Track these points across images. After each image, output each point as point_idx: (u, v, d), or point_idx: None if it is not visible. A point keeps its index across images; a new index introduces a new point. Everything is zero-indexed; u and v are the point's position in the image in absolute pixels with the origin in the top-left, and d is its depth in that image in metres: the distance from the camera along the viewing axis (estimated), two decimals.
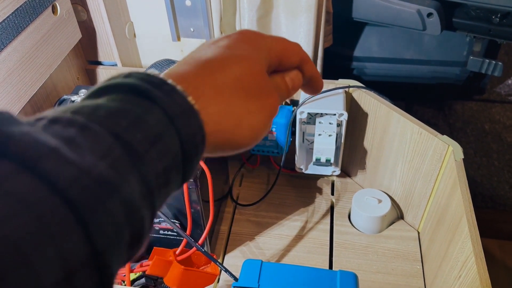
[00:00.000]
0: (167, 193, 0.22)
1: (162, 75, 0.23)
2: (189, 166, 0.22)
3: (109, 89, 0.21)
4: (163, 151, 0.21)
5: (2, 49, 0.54)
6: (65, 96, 0.68)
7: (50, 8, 0.63)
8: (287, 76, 0.31)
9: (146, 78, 0.22)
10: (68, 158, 0.17)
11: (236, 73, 0.25)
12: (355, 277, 0.51)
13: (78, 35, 0.72)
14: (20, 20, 0.57)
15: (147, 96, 0.21)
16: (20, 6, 0.56)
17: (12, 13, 0.55)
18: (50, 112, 0.20)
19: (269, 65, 0.29)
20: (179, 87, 0.22)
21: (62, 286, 0.16)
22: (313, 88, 0.34)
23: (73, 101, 0.66)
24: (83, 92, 0.67)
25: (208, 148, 0.24)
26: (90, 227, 0.17)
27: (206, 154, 0.25)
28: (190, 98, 0.22)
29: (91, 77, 0.81)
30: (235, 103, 0.25)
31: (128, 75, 0.22)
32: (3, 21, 0.54)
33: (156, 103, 0.21)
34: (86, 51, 0.80)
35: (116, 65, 0.80)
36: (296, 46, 0.31)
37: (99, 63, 0.81)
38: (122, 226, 0.18)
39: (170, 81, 0.22)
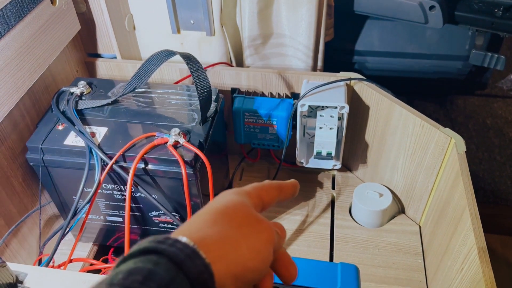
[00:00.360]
0: None
1: (170, 235, 0.27)
2: None
3: (126, 258, 0.26)
4: None
5: (0, 38, 0.54)
6: (64, 88, 0.67)
7: None
8: (274, 225, 0.34)
9: (153, 239, 0.26)
10: None
11: (224, 211, 0.30)
12: (356, 270, 0.51)
13: (77, 27, 0.72)
14: (18, 9, 0.56)
15: (155, 252, 0.25)
16: None
17: (10, 2, 0.54)
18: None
19: (254, 205, 0.33)
20: (180, 238, 0.26)
21: None
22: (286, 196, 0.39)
23: (72, 93, 0.66)
24: (82, 84, 0.67)
25: (225, 279, 0.27)
26: None
27: None
28: (191, 244, 0.26)
29: (90, 70, 0.80)
30: (228, 231, 0.29)
31: (140, 244, 0.27)
32: (1, 10, 0.53)
33: (163, 255, 0.25)
34: (85, 44, 0.79)
35: (115, 57, 0.80)
36: (268, 183, 0.37)
37: (98, 56, 0.81)
38: None
39: (172, 235, 0.27)
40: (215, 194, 0.65)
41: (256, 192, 0.35)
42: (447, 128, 0.61)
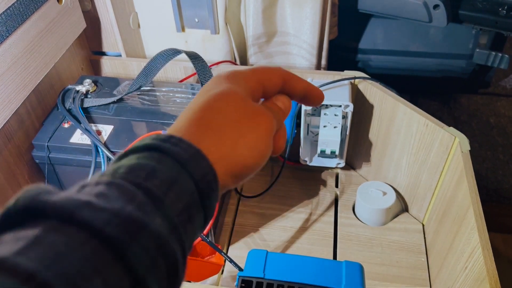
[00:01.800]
0: (193, 230, 0.25)
1: (170, 132, 0.27)
2: (208, 203, 0.25)
3: (128, 153, 0.25)
4: (180, 192, 0.24)
5: (7, 36, 0.54)
6: (69, 86, 0.68)
7: None
8: (276, 100, 0.33)
9: (156, 137, 0.25)
10: (99, 206, 0.20)
11: (217, 108, 0.28)
12: (360, 268, 0.51)
13: (83, 25, 0.72)
14: (25, 8, 0.56)
15: (159, 150, 0.25)
16: None
17: (17, 0, 0.55)
18: (79, 183, 0.23)
19: (252, 93, 0.31)
20: (183, 138, 0.26)
21: None
22: (313, 99, 0.35)
23: (78, 91, 0.66)
24: (87, 82, 0.67)
25: (225, 179, 0.27)
26: (128, 260, 0.19)
27: (232, 186, 0.28)
28: (194, 144, 0.26)
29: (95, 68, 0.80)
30: (225, 131, 0.27)
31: (142, 140, 0.26)
32: (8, 8, 0.53)
33: (167, 154, 0.24)
34: (91, 42, 0.79)
35: (120, 55, 0.80)
36: (276, 68, 0.33)
37: (104, 54, 0.81)
38: (156, 257, 0.21)
39: (175, 135, 0.26)
40: None
41: (256, 76, 0.31)
42: (451, 127, 0.62)
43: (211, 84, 0.30)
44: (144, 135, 0.29)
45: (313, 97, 0.34)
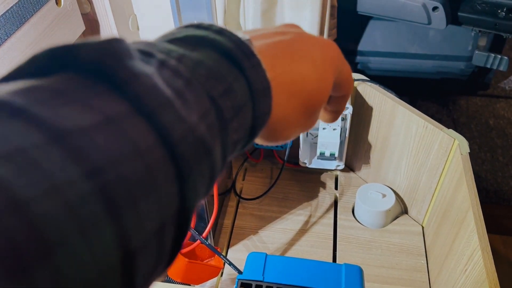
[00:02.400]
0: (230, 158, 0.23)
1: (251, 46, 0.23)
2: (251, 141, 0.24)
3: (205, 42, 0.21)
4: (241, 123, 0.21)
5: (6, 39, 0.54)
6: None
7: (53, 0, 0.63)
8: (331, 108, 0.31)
9: (239, 43, 0.22)
10: (180, 113, 0.17)
11: (312, 81, 0.26)
12: (360, 271, 0.51)
13: (82, 27, 0.72)
14: (24, 10, 0.56)
15: (238, 65, 0.21)
16: None
17: (16, 3, 0.55)
18: (153, 46, 0.19)
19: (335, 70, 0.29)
20: (263, 65, 0.23)
21: (156, 236, 0.16)
22: (332, 120, 0.34)
23: None
24: None
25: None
26: (185, 185, 0.17)
27: (278, 129, 0.26)
28: (269, 80, 0.23)
29: None
30: (292, 113, 0.25)
31: (220, 31, 0.22)
32: (7, 11, 0.53)
33: (244, 75, 0.22)
34: None
35: None
36: (352, 79, 0.31)
37: None
38: (207, 186, 0.19)
39: (257, 55, 0.23)
40: (219, 195, 0.65)
41: (342, 79, 0.29)
42: (450, 130, 0.62)
43: (319, 42, 0.28)
44: None
45: (334, 119, 0.33)
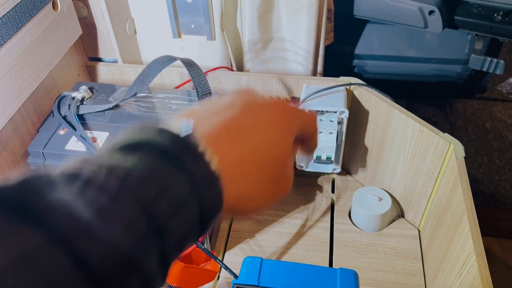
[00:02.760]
0: (180, 253, 0.22)
1: (194, 133, 0.23)
2: (204, 229, 0.23)
3: (142, 146, 0.22)
4: (184, 220, 0.21)
5: (2, 44, 0.54)
6: (65, 93, 0.68)
7: (50, 4, 0.63)
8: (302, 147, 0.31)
9: (178, 139, 0.22)
10: (99, 235, 0.18)
11: (265, 149, 0.25)
12: (355, 275, 0.51)
13: (79, 31, 0.72)
14: (21, 15, 0.56)
15: (176, 161, 0.21)
16: (21, 1, 0.56)
17: (13, 8, 0.55)
18: (85, 165, 0.20)
19: (294, 129, 0.29)
20: (207, 153, 0.22)
21: None
22: (309, 154, 0.34)
23: (73, 98, 0.66)
24: (83, 89, 0.67)
25: (230, 202, 0.24)
26: None
27: (232, 214, 0.26)
28: (215, 165, 0.22)
29: (91, 74, 0.80)
30: (253, 185, 0.25)
31: (162, 130, 0.22)
32: (4, 16, 0.53)
33: (183, 170, 0.21)
34: (87, 48, 0.79)
35: (116, 61, 0.80)
36: (314, 118, 0.31)
37: (100, 60, 0.81)
38: None
39: (201, 144, 0.22)
40: None
41: (304, 126, 0.30)
42: (446, 134, 0.62)
43: (266, 105, 0.27)
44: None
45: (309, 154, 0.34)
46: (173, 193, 0.20)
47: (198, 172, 0.22)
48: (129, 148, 0.22)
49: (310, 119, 0.31)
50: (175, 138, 0.22)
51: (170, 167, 0.21)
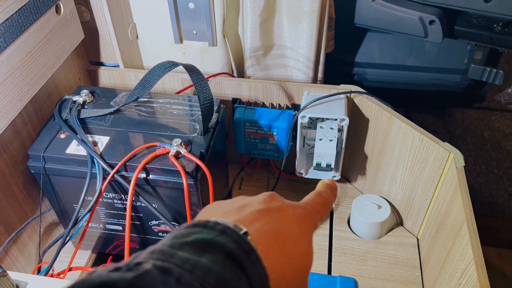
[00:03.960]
0: None
1: (250, 241, 0.26)
2: None
3: (212, 246, 0.25)
4: None
5: (5, 47, 0.54)
6: (66, 96, 0.68)
7: (53, 8, 0.63)
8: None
9: (240, 242, 0.25)
10: None
11: (298, 259, 0.29)
12: (355, 283, 0.51)
13: (81, 36, 0.72)
14: (24, 19, 0.56)
15: (240, 264, 0.25)
16: (24, 5, 0.56)
17: (16, 12, 0.55)
18: (169, 257, 0.23)
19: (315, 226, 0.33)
20: (260, 257, 0.26)
21: None
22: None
23: (75, 102, 0.66)
24: (84, 93, 0.67)
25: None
26: None
27: None
28: (266, 269, 0.26)
29: (93, 78, 0.81)
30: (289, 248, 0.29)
31: (224, 230, 0.26)
32: (7, 19, 0.54)
33: (245, 273, 0.25)
34: (88, 52, 0.79)
35: (118, 66, 0.80)
36: (330, 205, 0.36)
37: (101, 64, 0.81)
38: None
39: (255, 249, 0.26)
40: None
41: (320, 217, 0.34)
42: (446, 143, 0.62)
43: (296, 219, 0.31)
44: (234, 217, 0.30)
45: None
46: None
47: (256, 276, 0.25)
48: (200, 245, 0.25)
49: (328, 205, 0.35)
50: (237, 240, 0.25)
51: (237, 269, 0.24)
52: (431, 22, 0.84)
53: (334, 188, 0.37)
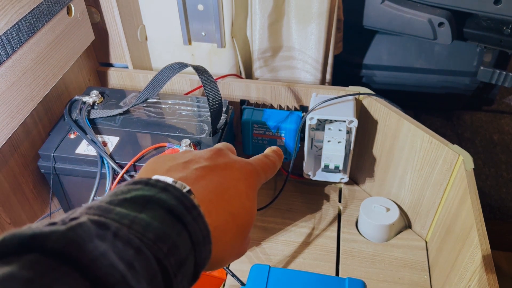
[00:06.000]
0: None
1: (192, 198, 0.26)
2: (194, 281, 0.26)
3: (152, 202, 0.24)
4: (185, 274, 0.24)
5: (18, 48, 0.55)
6: (76, 97, 0.68)
7: (65, 9, 0.64)
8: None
9: (181, 198, 0.25)
10: (132, 286, 0.20)
11: (240, 216, 0.30)
12: (364, 286, 0.51)
13: (91, 37, 0.73)
14: (36, 20, 0.57)
15: (180, 220, 0.25)
16: (37, 6, 0.57)
17: (29, 13, 0.56)
18: (107, 213, 0.23)
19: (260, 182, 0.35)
20: (202, 213, 0.26)
21: None
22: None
23: (84, 102, 0.67)
24: (94, 94, 0.68)
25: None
26: None
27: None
28: (208, 225, 0.26)
29: (102, 79, 0.81)
30: (230, 245, 0.29)
31: (165, 188, 0.25)
32: (20, 21, 0.54)
33: (186, 228, 0.25)
34: (98, 53, 0.80)
35: (127, 67, 0.81)
36: (276, 164, 0.37)
37: (111, 65, 0.82)
38: None
39: (198, 205, 0.26)
40: None
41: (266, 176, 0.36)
42: (455, 145, 0.62)
43: (241, 173, 0.32)
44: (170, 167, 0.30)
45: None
46: (179, 250, 0.24)
47: (197, 231, 0.25)
48: (140, 201, 0.24)
49: (274, 168, 0.37)
50: (178, 197, 0.25)
51: (178, 224, 0.24)
52: (440, 24, 0.84)
53: (280, 155, 0.39)
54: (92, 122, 0.65)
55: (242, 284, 0.56)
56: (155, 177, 0.27)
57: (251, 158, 0.36)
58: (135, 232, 0.22)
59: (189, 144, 0.59)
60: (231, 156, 0.34)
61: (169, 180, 0.27)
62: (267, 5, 0.74)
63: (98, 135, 0.62)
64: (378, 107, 0.70)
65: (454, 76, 1.01)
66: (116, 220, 0.22)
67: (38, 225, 0.21)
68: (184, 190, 0.26)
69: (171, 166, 0.30)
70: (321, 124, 0.71)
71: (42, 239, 0.20)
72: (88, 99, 0.67)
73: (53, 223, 0.21)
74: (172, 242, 0.23)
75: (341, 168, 0.71)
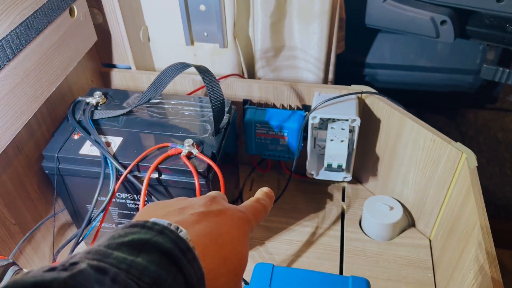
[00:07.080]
0: None
1: (188, 241, 0.27)
2: None
3: (148, 246, 0.25)
4: None
5: (21, 50, 0.55)
6: (80, 98, 0.69)
7: (67, 11, 0.64)
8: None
9: (177, 242, 0.26)
10: None
11: (233, 260, 0.31)
12: (367, 283, 0.51)
13: (94, 38, 0.73)
14: (39, 21, 0.57)
15: (176, 263, 0.25)
16: (39, 8, 0.57)
17: (31, 15, 0.56)
18: (105, 257, 0.24)
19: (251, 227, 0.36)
20: (197, 256, 0.27)
21: None
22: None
23: (88, 103, 0.67)
24: (97, 94, 0.68)
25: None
26: None
27: None
28: (203, 268, 0.27)
29: (105, 80, 0.82)
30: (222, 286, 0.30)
31: (161, 231, 0.26)
32: (22, 22, 0.55)
33: (182, 272, 0.25)
34: (101, 54, 0.80)
35: (130, 68, 0.81)
36: (266, 211, 0.38)
37: (114, 66, 0.82)
38: None
39: (193, 248, 0.27)
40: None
41: (257, 221, 0.37)
42: (458, 143, 0.62)
43: (233, 219, 0.33)
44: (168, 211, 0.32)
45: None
46: None
47: (192, 274, 0.26)
48: (136, 246, 0.25)
49: (265, 212, 0.38)
50: (174, 240, 0.26)
51: (173, 267, 0.25)
52: (443, 22, 0.84)
53: (271, 196, 0.40)
54: (96, 122, 0.65)
55: (246, 283, 0.57)
56: (152, 220, 0.28)
57: (243, 204, 0.37)
58: (132, 276, 0.23)
59: (192, 144, 0.59)
60: (224, 204, 0.35)
61: (165, 223, 0.28)
62: (269, 5, 0.74)
63: (102, 136, 0.63)
64: (381, 106, 0.70)
65: (457, 74, 1.01)
66: (114, 265, 0.23)
67: (39, 270, 0.22)
68: (180, 233, 0.27)
69: (168, 211, 0.32)
70: (324, 123, 0.71)
71: (44, 287, 0.20)
72: (92, 100, 0.67)
73: (53, 268, 0.22)
74: (168, 286, 0.24)
75: (344, 167, 0.71)
